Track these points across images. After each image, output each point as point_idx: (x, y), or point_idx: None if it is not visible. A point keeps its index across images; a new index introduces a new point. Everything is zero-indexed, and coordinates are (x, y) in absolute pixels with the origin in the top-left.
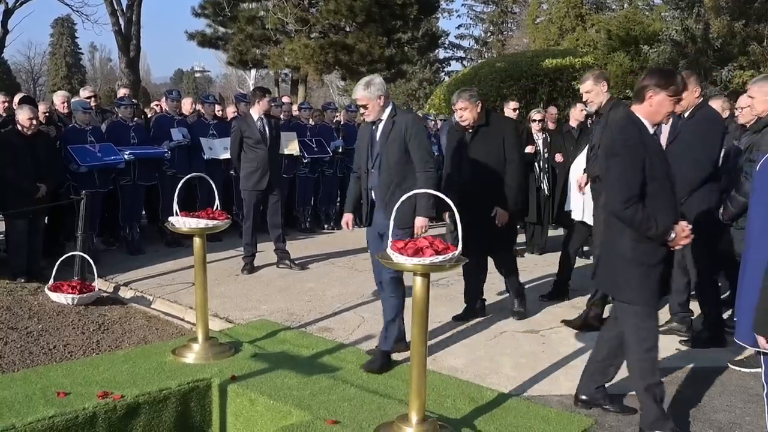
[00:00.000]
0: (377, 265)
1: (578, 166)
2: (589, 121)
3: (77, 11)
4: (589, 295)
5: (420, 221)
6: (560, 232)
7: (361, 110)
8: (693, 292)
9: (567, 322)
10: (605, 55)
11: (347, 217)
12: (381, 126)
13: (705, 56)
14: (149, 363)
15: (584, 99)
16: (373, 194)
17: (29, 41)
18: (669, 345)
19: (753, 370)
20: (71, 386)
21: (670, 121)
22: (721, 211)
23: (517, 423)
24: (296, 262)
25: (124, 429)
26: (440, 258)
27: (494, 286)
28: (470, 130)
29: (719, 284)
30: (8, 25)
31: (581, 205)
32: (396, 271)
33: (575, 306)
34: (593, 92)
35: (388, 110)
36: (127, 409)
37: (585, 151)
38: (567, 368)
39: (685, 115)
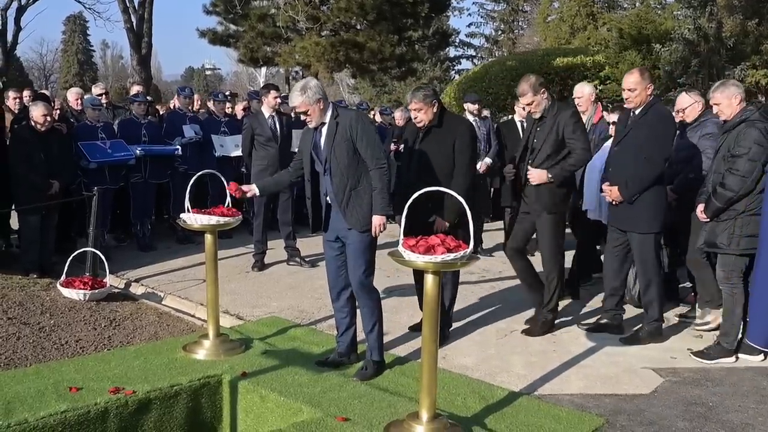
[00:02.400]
0: (334, 273)
1: (593, 166)
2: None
3: (89, 9)
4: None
5: (377, 219)
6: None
7: (302, 117)
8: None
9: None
10: (617, 54)
11: (251, 187)
12: (325, 129)
13: (717, 55)
14: (160, 359)
15: (527, 110)
16: (329, 199)
17: (41, 38)
18: (680, 346)
19: (713, 362)
20: (83, 381)
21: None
22: (701, 208)
23: (528, 422)
24: (306, 259)
25: (135, 424)
26: (452, 255)
27: (495, 285)
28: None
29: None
30: (21, 22)
31: (596, 204)
32: (365, 276)
33: (586, 305)
34: (534, 102)
35: (329, 112)
36: (138, 404)
37: (602, 150)
38: (578, 367)
39: (637, 111)
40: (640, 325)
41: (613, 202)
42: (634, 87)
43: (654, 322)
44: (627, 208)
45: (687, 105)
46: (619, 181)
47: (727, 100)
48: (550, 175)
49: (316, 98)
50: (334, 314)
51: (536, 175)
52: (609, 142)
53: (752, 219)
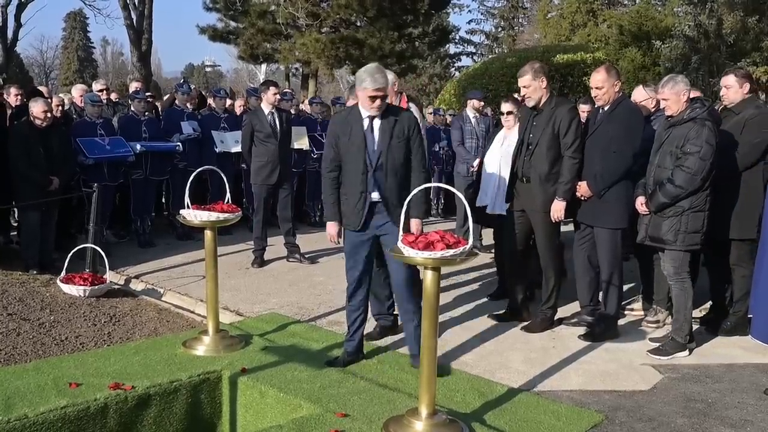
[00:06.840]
0: (361, 271)
1: (490, 162)
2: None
3: (89, 5)
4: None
5: (415, 223)
6: (571, 227)
7: (376, 101)
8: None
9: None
10: (617, 51)
11: (335, 229)
12: (377, 123)
13: (718, 52)
14: (160, 355)
15: (522, 93)
16: (374, 197)
17: (42, 35)
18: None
19: (667, 358)
20: (83, 377)
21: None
22: (642, 200)
23: (527, 417)
24: (306, 256)
25: (135, 420)
26: (451, 252)
27: (494, 281)
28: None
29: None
30: (21, 19)
31: (492, 198)
32: (412, 271)
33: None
34: (531, 87)
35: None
36: (138, 400)
37: (496, 145)
38: (577, 364)
39: (605, 108)
40: (591, 319)
41: (582, 198)
42: (602, 85)
43: (611, 318)
44: (595, 204)
45: (641, 99)
46: (588, 176)
47: (676, 96)
48: (560, 198)
49: (393, 81)
50: (347, 314)
51: (556, 209)
52: (501, 136)
53: (697, 216)
